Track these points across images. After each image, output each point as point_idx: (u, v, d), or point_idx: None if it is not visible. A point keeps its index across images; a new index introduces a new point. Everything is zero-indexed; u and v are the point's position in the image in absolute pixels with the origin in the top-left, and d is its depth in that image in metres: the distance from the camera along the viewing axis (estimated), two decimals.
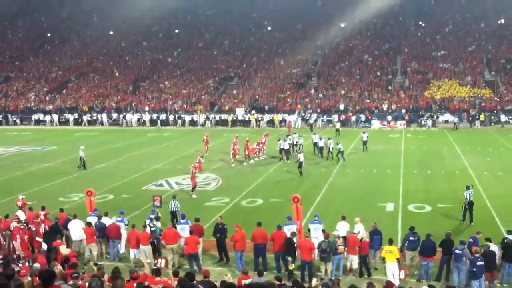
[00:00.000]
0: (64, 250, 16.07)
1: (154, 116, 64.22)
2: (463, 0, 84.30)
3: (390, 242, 15.93)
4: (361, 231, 16.93)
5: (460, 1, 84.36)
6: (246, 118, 61.64)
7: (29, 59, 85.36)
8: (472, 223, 20.55)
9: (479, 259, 14.45)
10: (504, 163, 33.75)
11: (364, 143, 39.28)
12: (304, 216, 19.11)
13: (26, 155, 40.69)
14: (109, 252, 18.30)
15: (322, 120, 59.32)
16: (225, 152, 38.83)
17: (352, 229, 17.35)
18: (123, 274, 12.20)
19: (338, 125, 51.43)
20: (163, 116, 64.01)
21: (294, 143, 38.16)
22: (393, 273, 15.34)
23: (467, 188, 21.21)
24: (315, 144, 37.67)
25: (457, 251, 15.29)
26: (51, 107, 68.99)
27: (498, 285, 15.15)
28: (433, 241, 15.95)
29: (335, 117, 58.49)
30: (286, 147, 35.71)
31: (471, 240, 15.86)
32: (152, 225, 18.02)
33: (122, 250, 18.34)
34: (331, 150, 35.56)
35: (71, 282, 11.04)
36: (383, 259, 15.69)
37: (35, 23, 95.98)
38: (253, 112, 62.60)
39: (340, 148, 34.67)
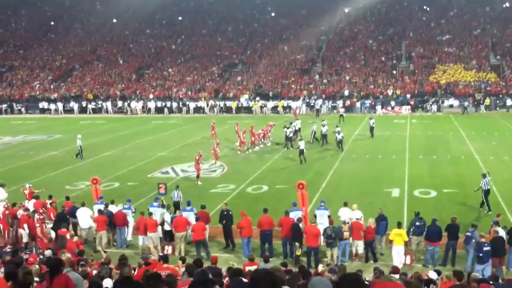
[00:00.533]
0: (71, 238, 16.21)
1: (159, 103, 64.19)
2: None
3: (399, 225, 16.21)
4: (358, 217, 16.98)
5: None
6: (250, 105, 61.54)
7: (33, 47, 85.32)
8: (490, 212, 20.07)
9: (486, 244, 14.46)
10: (510, 148, 33.63)
11: (371, 129, 39.17)
12: (309, 202, 19.18)
13: (32, 144, 40.83)
14: (116, 239, 18.42)
15: (327, 106, 59.10)
16: (230, 140, 38.83)
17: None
18: (130, 261, 12.31)
19: (342, 111, 51.29)
20: (167, 104, 63.97)
21: (297, 129, 38.04)
22: (399, 256, 15.54)
23: (484, 176, 20.74)
24: (314, 132, 37.46)
25: (467, 233, 15.40)
26: (56, 95, 69.04)
27: (504, 269, 15.17)
28: (439, 226, 16.00)
29: (339, 103, 58.30)
30: (289, 134, 35.32)
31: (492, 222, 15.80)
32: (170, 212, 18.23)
33: (129, 237, 18.47)
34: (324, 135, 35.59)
35: (79, 269, 11.13)
36: (391, 242, 15.84)
37: (38, 11, 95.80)
38: (257, 98, 62.43)
39: (337, 137, 33.68)
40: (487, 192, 20.33)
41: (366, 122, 47.67)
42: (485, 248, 14.39)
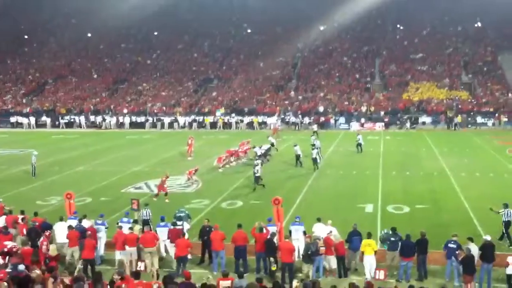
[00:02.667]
0: (53, 251, 15.93)
1: (133, 118, 63.81)
2: (440, 4, 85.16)
3: (369, 235, 16.43)
4: (333, 232, 17.03)
5: (437, 4, 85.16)
6: (216, 120, 61.49)
7: (6, 61, 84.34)
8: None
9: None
10: (481, 164, 34.15)
11: (359, 145, 39.51)
12: (284, 218, 19.14)
13: (4, 158, 40.18)
14: None
15: (302, 122, 59.31)
16: (205, 155, 38.78)
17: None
18: (105, 276, 12.13)
19: (315, 127, 51.45)
20: (141, 119, 63.62)
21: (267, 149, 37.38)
22: (370, 266, 15.75)
23: (506, 206, 19.16)
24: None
25: (450, 245, 15.58)
26: (28, 109, 68.16)
27: (476, 284, 15.31)
28: (412, 241, 16.13)
29: (307, 119, 58.83)
30: (262, 151, 34.79)
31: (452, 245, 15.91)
32: (179, 223, 18.12)
33: (101, 252, 18.17)
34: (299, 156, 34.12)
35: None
36: (362, 253, 15.99)
37: (12, 24, 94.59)
38: (233, 115, 62.37)
39: (312, 155, 32.81)
40: (507, 224, 18.94)
41: (341, 138, 48.22)
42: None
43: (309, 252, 16.04)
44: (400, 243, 16.18)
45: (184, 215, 18.98)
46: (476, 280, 15.38)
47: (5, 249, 15.55)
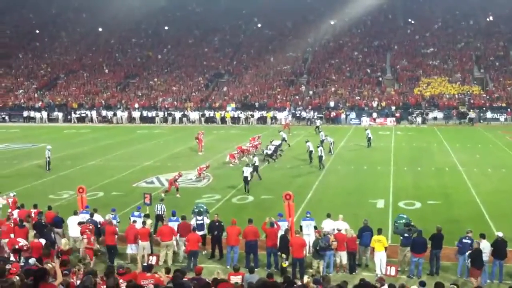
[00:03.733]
0: (65, 245, 16.04)
1: (144, 113, 64.01)
2: None
3: (379, 231, 16.40)
4: (346, 227, 17.04)
5: None
6: (236, 116, 61.55)
7: (17, 56, 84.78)
8: None
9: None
10: (493, 160, 33.98)
11: (368, 139, 39.49)
12: (295, 213, 19.14)
13: (15, 153, 40.42)
14: (100, 249, 18.27)
15: (313, 117, 59.12)
16: (215, 150, 38.87)
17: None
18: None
19: (318, 122, 51.21)
20: (152, 113, 63.80)
21: (278, 145, 37.20)
22: (381, 261, 15.74)
23: None
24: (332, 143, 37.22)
25: (465, 240, 15.52)
26: (40, 104, 68.56)
27: (488, 281, 15.27)
28: (424, 237, 16.08)
29: (315, 114, 58.76)
30: (270, 151, 34.47)
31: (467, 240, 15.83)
32: (200, 218, 18.19)
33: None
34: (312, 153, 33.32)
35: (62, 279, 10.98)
36: (373, 249, 15.96)
37: (23, 19, 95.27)
38: (233, 109, 62.37)
39: (320, 153, 31.63)
40: None
41: (352, 133, 48.17)
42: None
43: (317, 248, 16.05)
44: (415, 240, 16.13)
45: (203, 210, 19.03)
46: (488, 276, 15.36)
47: (16, 246, 15.68)
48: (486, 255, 15.27)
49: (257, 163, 28.83)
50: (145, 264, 14.94)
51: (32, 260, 13.45)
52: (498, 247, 15.42)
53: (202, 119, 61.62)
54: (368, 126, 48.28)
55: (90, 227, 17.38)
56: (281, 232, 16.85)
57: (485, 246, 15.29)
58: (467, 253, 15.31)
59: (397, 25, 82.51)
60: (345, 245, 16.38)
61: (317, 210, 20.75)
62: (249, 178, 26.32)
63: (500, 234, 15.82)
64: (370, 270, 16.29)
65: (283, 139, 39.44)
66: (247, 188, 26.33)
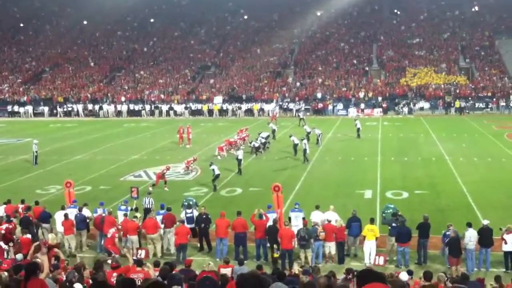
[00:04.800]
0: (52, 240, 15.96)
1: (131, 106, 63.71)
2: None
3: (372, 221, 16.60)
4: (335, 217, 17.13)
5: None
6: (224, 108, 61.42)
7: (2, 49, 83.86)
8: None
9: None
10: (479, 149, 34.28)
11: (358, 130, 39.64)
12: (284, 205, 19.20)
13: (1, 148, 40.09)
14: (87, 243, 18.29)
15: (300, 109, 59.04)
16: (203, 143, 38.84)
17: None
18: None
19: (301, 114, 51.08)
20: (139, 107, 63.50)
21: (265, 138, 37.07)
22: (371, 250, 15.88)
23: None
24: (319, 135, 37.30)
25: (448, 233, 15.67)
26: (25, 98, 67.96)
27: (475, 269, 15.44)
28: (408, 227, 16.22)
29: (298, 106, 58.67)
30: (258, 143, 34.39)
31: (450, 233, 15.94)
32: (189, 211, 18.19)
33: (102, 240, 18.23)
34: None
35: (50, 275, 10.95)
36: (364, 237, 16.08)
37: (7, 13, 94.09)
38: (224, 104, 62.32)
39: (304, 146, 31.30)
40: None
41: (339, 124, 48.32)
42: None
43: (298, 237, 16.12)
44: (400, 230, 16.26)
45: (193, 203, 19.02)
46: (475, 264, 15.53)
47: (2, 231, 15.61)
48: (472, 244, 15.43)
49: (240, 157, 28.75)
50: (135, 258, 14.95)
51: (19, 256, 13.38)
52: (484, 235, 15.59)
53: (186, 111, 61.33)
54: (356, 116, 48.34)
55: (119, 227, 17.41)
56: (269, 223, 16.93)
57: (472, 235, 15.44)
58: (445, 242, 15.53)
59: (383, 16, 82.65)
60: (334, 236, 16.47)
61: (305, 201, 20.84)
62: (242, 160, 28.42)
63: (486, 222, 15.98)
64: (359, 260, 16.41)
65: (273, 131, 39.43)
66: (239, 169, 28.13)
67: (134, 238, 17.09)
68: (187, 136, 38.45)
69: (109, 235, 16.75)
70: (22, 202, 19.61)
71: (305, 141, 31.97)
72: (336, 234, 16.44)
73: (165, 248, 17.67)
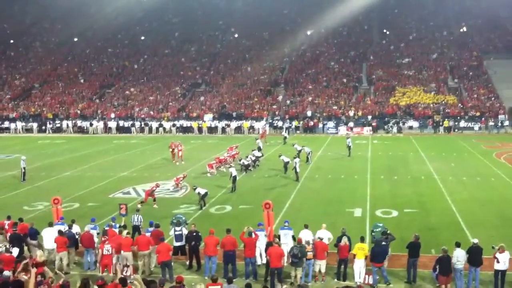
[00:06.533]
0: (40, 257, 15.75)
1: (121, 123, 63.59)
2: (426, 9, 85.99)
3: (362, 239, 16.43)
4: (327, 236, 17.06)
5: (423, 10, 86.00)
6: (213, 125, 61.46)
7: None
8: None
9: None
10: (468, 168, 34.41)
11: (348, 148, 39.73)
12: (274, 223, 19.10)
13: None
14: (77, 261, 18.08)
15: (290, 127, 59.10)
16: (193, 160, 38.74)
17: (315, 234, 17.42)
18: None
19: (285, 133, 51.20)
20: (129, 123, 63.38)
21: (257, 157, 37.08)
22: (360, 269, 15.80)
23: None
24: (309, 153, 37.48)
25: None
26: (14, 114, 67.66)
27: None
28: (383, 246, 16.14)
29: (285, 125, 58.68)
30: (249, 161, 34.35)
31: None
32: (178, 229, 17.99)
33: (98, 257, 18.00)
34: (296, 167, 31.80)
35: None
36: (354, 256, 15.97)
37: None
38: (210, 119, 62.36)
39: (295, 164, 31.27)
40: None
41: (329, 142, 48.45)
42: None
43: (291, 254, 16.03)
44: (374, 249, 16.17)
45: (182, 220, 18.87)
46: (464, 283, 15.48)
47: None
48: (461, 263, 15.38)
49: (234, 174, 28.70)
50: (121, 276, 14.74)
51: (7, 273, 13.21)
52: (474, 254, 15.55)
53: (173, 129, 61.30)
54: (347, 135, 48.55)
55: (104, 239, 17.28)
56: (259, 242, 16.84)
57: (459, 255, 15.39)
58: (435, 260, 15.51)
59: (372, 36, 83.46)
60: (325, 254, 16.38)
61: (295, 219, 20.77)
62: (236, 177, 28.51)
63: (476, 240, 15.96)
64: (349, 279, 16.31)
65: (259, 148, 39.35)
66: (234, 186, 28.23)
67: (128, 254, 16.88)
68: (177, 154, 38.30)
69: (107, 252, 16.59)
70: (8, 218, 19.36)
71: (297, 159, 32.00)
72: (341, 251, 16.33)
73: (153, 264, 17.49)
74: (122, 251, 16.86)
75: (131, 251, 17.01)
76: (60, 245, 17.21)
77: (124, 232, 17.80)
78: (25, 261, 14.33)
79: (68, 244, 17.53)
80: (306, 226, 17.97)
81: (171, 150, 38.47)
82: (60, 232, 17.52)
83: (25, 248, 17.96)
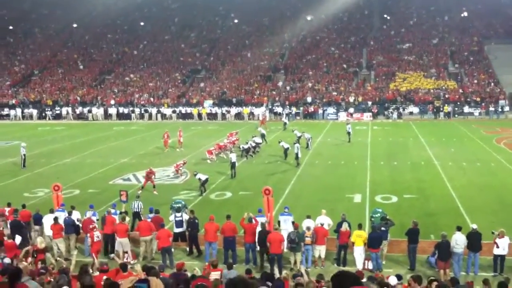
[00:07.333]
0: (40, 244, 15.81)
1: (121, 109, 63.53)
2: None
3: (359, 226, 16.56)
4: (327, 222, 17.12)
5: None
6: (213, 112, 61.41)
7: None
8: None
9: None
10: (468, 154, 34.41)
11: (348, 134, 39.78)
12: (273, 209, 19.15)
13: None
14: (76, 246, 18.14)
15: (290, 113, 59.11)
16: (193, 146, 38.74)
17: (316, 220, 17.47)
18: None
19: (285, 119, 51.15)
20: (129, 110, 63.30)
21: (257, 143, 37.02)
22: (360, 256, 15.90)
23: None
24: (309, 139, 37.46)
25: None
26: (14, 101, 67.58)
27: (463, 273, 15.46)
28: (378, 233, 16.20)
29: (284, 111, 58.60)
30: (248, 146, 34.31)
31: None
32: (179, 215, 18.01)
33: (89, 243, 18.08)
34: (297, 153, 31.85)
35: (37, 278, 10.85)
36: (353, 243, 16.04)
37: None
38: (210, 105, 62.30)
39: (296, 150, 31.23)
40: None
41: (329, 128, 48.42)
42: None
43: (288, 240, 16.09)
44: (371, 235, 16.22)
45: (182, 206, 18.88)
46: (463, 268, 15.55)
47: None
48: (460, 247, 15.43)
49: (234, 160, 28.72)
50: (121, 261, 14.82)
51: (7, 260, 13.26)
52: (473, 239, 15.61)
53: (174, 115, 61.28)
54: (347, 121, 48.52)
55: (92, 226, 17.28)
56: (258, 228, 16.87)
57: (458, 239, 15.44)
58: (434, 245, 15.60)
59: (373, 21, 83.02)
60: (325, 240, 16.45)
61: (295, 205, 20.83)
62: (236, 163, 28.56)
63: (475, 226, 16.01)
64: (349, 264, 16.38)
65: (262, 135, 39.37)
66: (234, 172, 28.27)
67: (124, 240, 16.97)
68: (178, 139, 38.30)
69: (97, 239, 16.64)
70: (9, 205, 19.42)
71: (297, 144, 31.96)
72: (341, 237, 16.39)
73: (154, 250, 17.58)
74: (117, 238, 16.92)
75: (127, 237, 17.07)
76: (56, 231, 17.30)
77: (127, 219, 17.90)
78: (26, 248, 14.40)
79: (67, 230, 17.61)
80: (308, 217, 17.96)
81: (163, 139, 38.18)
82: (55, 219, 17.58)
83: (28, 235, 18.04)
